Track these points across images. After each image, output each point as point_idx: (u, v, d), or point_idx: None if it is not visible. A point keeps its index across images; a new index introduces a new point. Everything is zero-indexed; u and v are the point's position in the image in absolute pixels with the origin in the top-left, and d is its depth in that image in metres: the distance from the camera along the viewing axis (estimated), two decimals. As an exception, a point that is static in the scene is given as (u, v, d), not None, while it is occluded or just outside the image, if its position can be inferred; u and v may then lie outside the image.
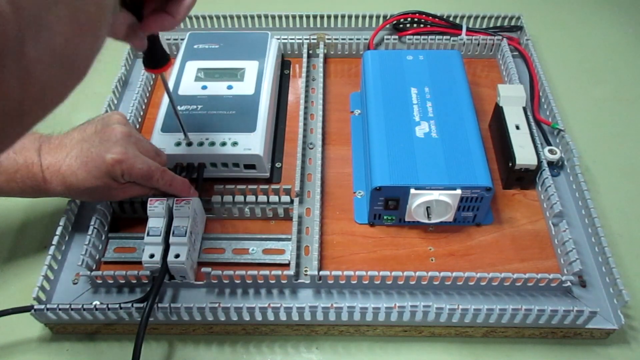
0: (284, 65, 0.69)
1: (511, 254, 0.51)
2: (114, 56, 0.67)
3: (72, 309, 0.44)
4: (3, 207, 0.56)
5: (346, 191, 0.56)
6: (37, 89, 0.21)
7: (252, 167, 0.54)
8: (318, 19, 0.72)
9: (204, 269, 0.46)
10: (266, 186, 0.52)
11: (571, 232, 0.50)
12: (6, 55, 0.18)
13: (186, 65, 0.61)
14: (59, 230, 0.49)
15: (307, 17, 0.72)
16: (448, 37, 0.69)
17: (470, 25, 0.71)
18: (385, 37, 0.69)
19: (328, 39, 0.69)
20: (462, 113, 0.54)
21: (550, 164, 0.56)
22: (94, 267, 0.49)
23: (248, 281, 0.47)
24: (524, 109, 0.57)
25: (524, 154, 0.53)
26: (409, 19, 0.71)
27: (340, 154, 0.59)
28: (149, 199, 0.47)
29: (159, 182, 0.47)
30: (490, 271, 0.46)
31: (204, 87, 0.59)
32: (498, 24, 0.72)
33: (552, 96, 0.61)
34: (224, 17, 0.71)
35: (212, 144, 0.53)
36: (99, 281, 0.47)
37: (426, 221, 0.50)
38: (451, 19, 0.71)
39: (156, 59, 0.43)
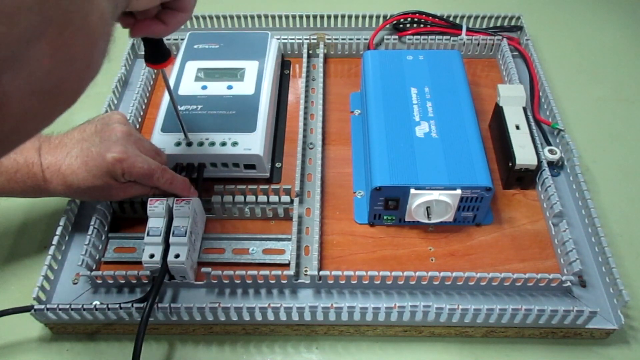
0: (284, 65, 0.69)
1: (511, 254, 0.51)
2: (114, 56, 0.67)
3: (72, 309, 0.44)
4: (3, 207, 0.56)
5: (346, 191, 0.56)
6: (15, 119, 0.20)
7: (252, 167, 0.54)
8: (318, 19, 0.72)
9: (204, 269, 0.46)
10: (266, 186, 0.52)
11: (571, 232, 0.50)
12: None
13: (186, 65, 0.61)
14: (59, 230, 0.49)
15: (307, 17, 0.72)
16: (448, 37, 0.69)
17: (470, 25, 0.71)
18: (385, 37, 0.69)
19: (328, 39, 0.69)
20: (462, 113, 0.54)
21: (550, 164, 0.56)
22: (94, 267, 0.49)
23: (248, 281, 0.47)
24: (524, 109, 0.57)
25: (524, 154, 0.53)
26: (409, 19, 0.71)
27: (340, 154, 0.59)
28: (149, 199, 0.47)
29: (159, 181, 0.47)
30: (490, 271, 0.46)
31: (204, 87, 0.59)
32: (498, 24, 0.72)
33: (552, 96, 0.61)
34: (224, 17, 0.71)
35: (212, 144, 0.53)
36: (99, 281, 0.47)
37: (426, 221, 0.50)
38: (451, 19, 0.71)
39: (158, 54, 0.44)
